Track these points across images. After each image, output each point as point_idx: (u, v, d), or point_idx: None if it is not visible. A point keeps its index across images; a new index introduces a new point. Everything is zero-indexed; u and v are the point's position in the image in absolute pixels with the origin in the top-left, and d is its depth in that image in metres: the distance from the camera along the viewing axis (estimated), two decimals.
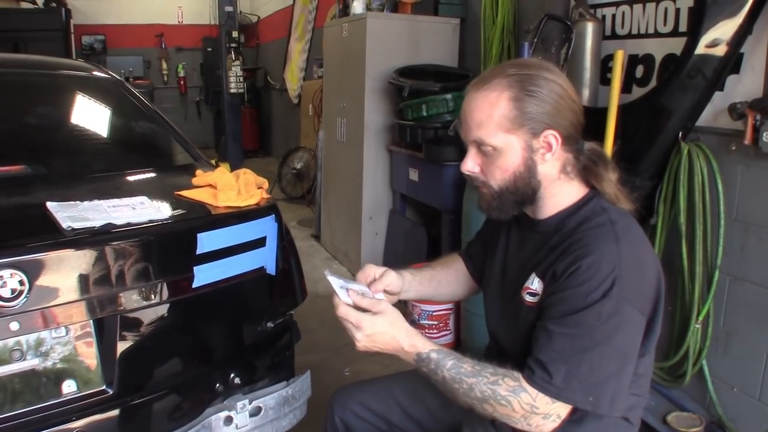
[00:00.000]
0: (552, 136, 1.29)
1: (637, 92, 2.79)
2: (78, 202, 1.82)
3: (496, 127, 1.29)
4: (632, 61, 2.85)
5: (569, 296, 1.24)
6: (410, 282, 1.63)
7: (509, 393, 1.25)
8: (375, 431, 1.70)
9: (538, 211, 1.41)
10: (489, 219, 1.62)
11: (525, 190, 1.34)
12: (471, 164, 1.37)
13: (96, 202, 1.84)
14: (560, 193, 1.37)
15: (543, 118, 1.28)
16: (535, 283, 1.37)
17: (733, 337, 2.52)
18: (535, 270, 1.38)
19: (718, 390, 2.56)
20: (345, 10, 5.02)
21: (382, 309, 1.36)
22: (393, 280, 1.56)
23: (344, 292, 1.40)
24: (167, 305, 1.81)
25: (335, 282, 1.41)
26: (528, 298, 1.38)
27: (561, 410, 1.26)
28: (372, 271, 1.55)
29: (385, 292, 1.54)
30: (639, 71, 2.84)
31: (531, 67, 1.31)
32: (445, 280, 1.73)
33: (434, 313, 3.46)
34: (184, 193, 2.04)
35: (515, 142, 1.30)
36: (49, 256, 1.58)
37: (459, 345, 3.49)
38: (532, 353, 1.28)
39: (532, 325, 1.33)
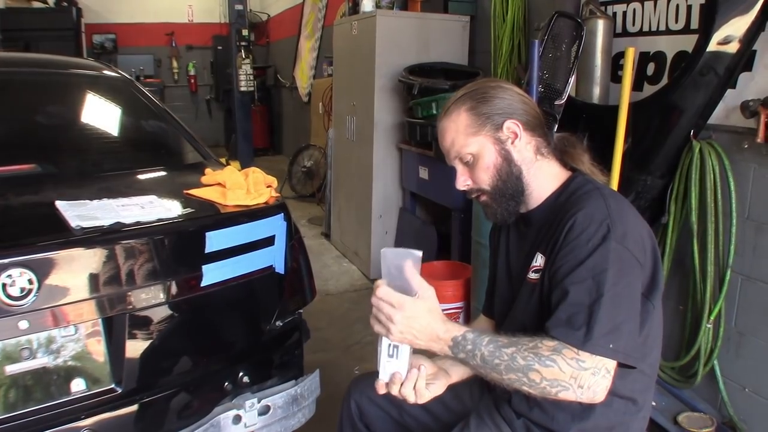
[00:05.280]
0: (513, 124, 1.47)
1: (649, 90, 2.77)
2: (87, 201, 1.82)
3: (464, 136, 1.48)
4: (643, 58, 2.83)
5: (572, 249, 1.31)
6: (452, 366, 1.57)
7: (552, 352, 1.24)
8: (387, 417, 1.75)
9: (530, 201, 1.51)
10: (490, 239, 1.75)
11: (511, 179, 1.48)
12: (462, 180, 1.54)
13: (105, 201, 1.85)
14: (543, 174, 1.50)
15: (499, 112, 1.47)
16: (538, 260, 1.44)
17: (745, 337, 2.50)
18: (538, 249, 1.45)
19: (729, 390, 2.54)
20: (355, 8, 5.02)
21: (426, 295, 1.36)
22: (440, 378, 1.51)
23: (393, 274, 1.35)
24: (176, 304, 1.81)
25: (390, 259, 1.35)
26: (532, 276, 1.45)
27: (607, 363, 1.24)
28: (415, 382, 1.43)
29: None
30: (650, 69, 2.81)
31: (478, 84, 1.55)
32: None
33: (444, 312, 3.41)
34: (193, 191, 2.05)
35: (484, 141, 1.47)
36: (58, 255, 1.59)
37: None
38: (552, 315, 1.28)
39: (540, 304, 1.39)
